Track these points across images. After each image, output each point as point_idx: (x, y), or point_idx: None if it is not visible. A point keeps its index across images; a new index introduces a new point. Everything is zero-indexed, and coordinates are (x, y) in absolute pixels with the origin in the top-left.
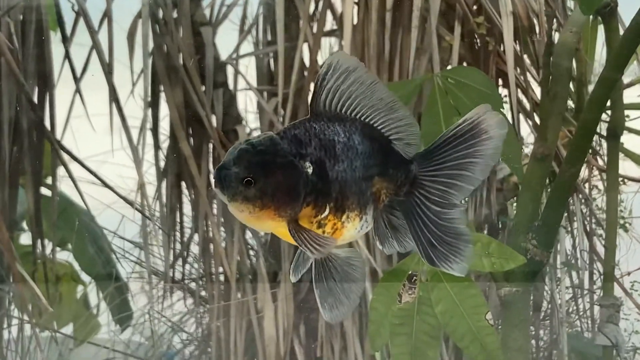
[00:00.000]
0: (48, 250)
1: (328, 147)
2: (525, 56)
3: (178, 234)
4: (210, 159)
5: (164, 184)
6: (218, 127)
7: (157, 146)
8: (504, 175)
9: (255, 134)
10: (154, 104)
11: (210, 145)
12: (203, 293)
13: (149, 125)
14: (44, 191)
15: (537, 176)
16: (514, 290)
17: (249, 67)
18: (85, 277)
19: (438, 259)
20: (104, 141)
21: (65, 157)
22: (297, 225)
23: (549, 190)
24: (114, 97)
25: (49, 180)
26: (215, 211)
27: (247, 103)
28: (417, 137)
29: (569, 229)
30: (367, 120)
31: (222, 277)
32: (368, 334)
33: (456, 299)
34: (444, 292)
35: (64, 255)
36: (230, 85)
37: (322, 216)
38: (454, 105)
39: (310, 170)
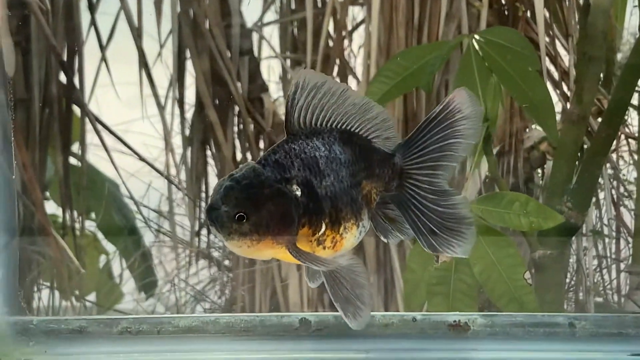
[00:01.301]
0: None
1: (311, 165)
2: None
3: (203, 203)
4: (236, 127)
5: (189, 152)
6: (243, 94)
7: (182, 113)
8: (531, 144)
9: (281, 101)
10: (179, 71)
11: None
12: (227, 262)
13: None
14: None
15: (572, 138)
16: (548, 253)
17: (272, 36)
18: (108, 246)
19: (441, 245)
20: (125, 111)
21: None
22: (297, 248)
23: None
24: (143, 61)
25: (74, 148)
26: None
27: (269, 72)
28: (393, 130)
29: (595, 199)
30: (343, 127)
31: None
32: (404, 295)
33: (494, 258)
34: (481, 251)
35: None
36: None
37: (320, 234)
38: (488, 66)
39: (299, 193)
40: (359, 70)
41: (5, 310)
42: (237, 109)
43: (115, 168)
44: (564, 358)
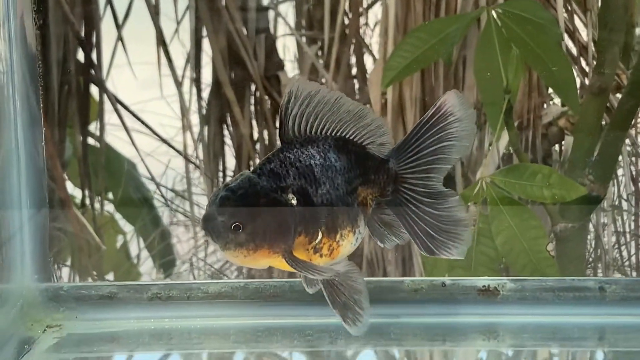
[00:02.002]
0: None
1: (306, 173)
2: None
3: (221, 181)
4: (252, 106)
5: (206, 131)
6: (260, 72)
7: (199, 92)
8: (549, 120)
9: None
10: (196, 50)
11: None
12: None
13: (190, 72)
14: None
15: (594, 111)
16: (569, 225)
17: (288, 14)
18: (126, 227)
19: (437, 248)
20: (141, 91)
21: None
22: (294, 257)
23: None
24: (161, 39)
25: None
26: (258, 156)
27: (285, 51)
28: (388, 136)
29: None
30: (338, 134)
31: None
32: (425, 268)
33: (516, 230)
34: (504, 223)
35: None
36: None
37: (316, 242)
38: (508, 39)
39: (294, 202)
40: (374, 48)
41: (35, 277)
42: (253, 86)
43: (135, 148)
44: (594, 322)
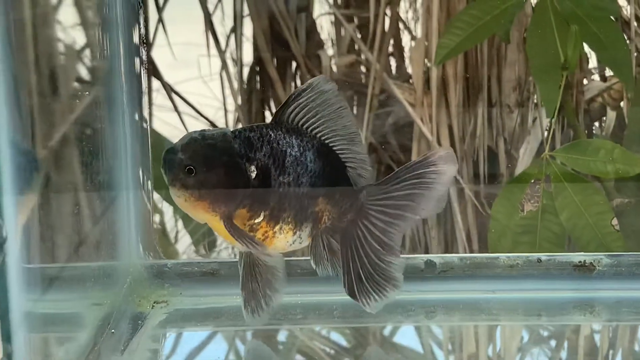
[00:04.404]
0: None
1: (278, 156)
2: None
3: None
4: (294, 84)
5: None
6: (302, 51)
7: (240, 71)
8: (590, 96)
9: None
10: (237, 30)
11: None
12: None
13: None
14: None
15: None
16: (626, 201)
17: None
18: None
19: (359, 293)
20: (177, 71)
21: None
22: (232, 223)
23: None
24: (208, 20)
25: None
26: None
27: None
28: (370, 172)
29: None
30: (327, 141)
31: None
32: (489, 245)
33: (581, 205)
34: (568, 199)
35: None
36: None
37: (255, 221)
38: (564, 17)
39: (253, 175)
40: (411, 25)
41: (141, 254)
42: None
43: (186, 129)
44: None
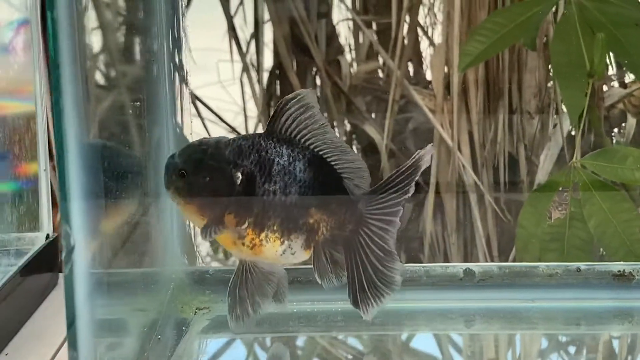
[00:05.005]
0: None
1: (264, 164)
2: None
3: None
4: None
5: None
6: (322, 57)
7: (260, 77)
8: (611, 103)
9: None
10: (257, 36)
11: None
12: None
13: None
14: None
15: None
16: None
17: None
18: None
19: (362, 302)
20: (198, 76)
21: None
22: (216, 228)
23: None
24: (231, 26)
25: None
26: None
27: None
28: (367, 180)
29: None
30: (320, 153)
31: None
32: (515, 251)
33: (609, 213)
34: (596, 206)
35: None
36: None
37: (241, 228)
38: (589, 24)
39: (238, 181)
40: (429, 30)
41: (183, 261)
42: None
43: (208, 133)
44: None
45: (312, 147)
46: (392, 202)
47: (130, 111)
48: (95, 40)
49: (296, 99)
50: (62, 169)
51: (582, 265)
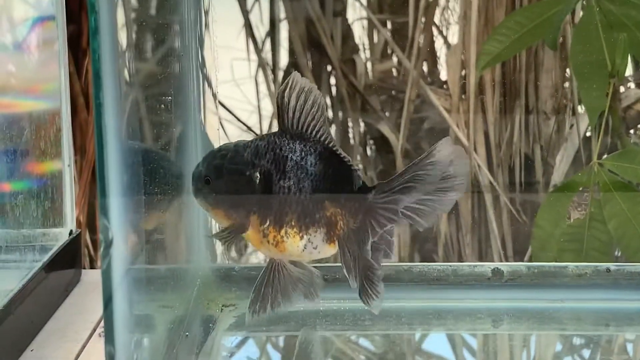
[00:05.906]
0: None
1: (279, 162)
2: None
3: None
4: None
5: None
6: (338, 56)
7: (275, 75)
8: (627, 104)
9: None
10: (272, 34)
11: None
12: None
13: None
14: None
15: None
16: None
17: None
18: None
19: (367, 296)
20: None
21: None
22: (238, 229)
23: None
24: (247, 24)
25: None
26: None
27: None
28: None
29: None
30: (330, 145)
31: None
32: (531, 251)
33: (629, 214)
34: (617, 208)
35: None
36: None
37: (264, 226)
38: (611, 25)
39: (257, 181)
40: (444, 30)
41: (209, 258)
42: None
43: (226, 134)
44: None
45: (322, 139)
46: (397, 187)
47: (162, 107)
48: (128, 37)
49: (288, 89)
50: (102, 164)
51: (612, 265)
